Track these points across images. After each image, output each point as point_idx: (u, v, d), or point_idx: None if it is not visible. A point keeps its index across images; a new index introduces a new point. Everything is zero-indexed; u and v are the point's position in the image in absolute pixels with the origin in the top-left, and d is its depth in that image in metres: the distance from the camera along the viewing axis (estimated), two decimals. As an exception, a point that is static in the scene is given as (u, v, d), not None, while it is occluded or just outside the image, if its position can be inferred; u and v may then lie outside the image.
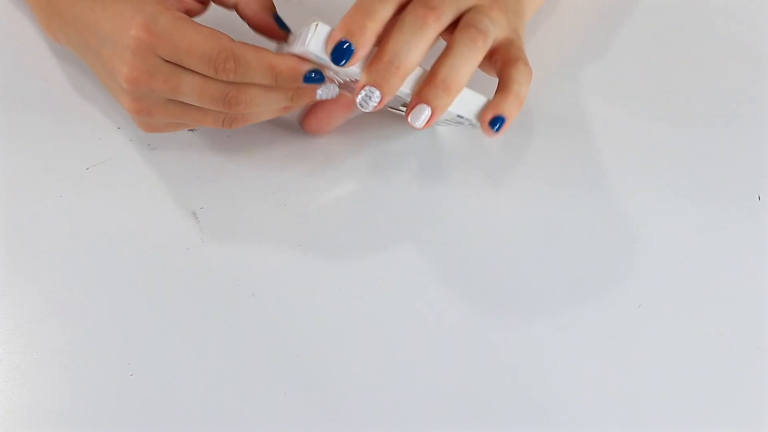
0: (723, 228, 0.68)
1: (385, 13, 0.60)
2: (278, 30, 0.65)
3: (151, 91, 0.62)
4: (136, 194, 0.68)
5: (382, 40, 0.60)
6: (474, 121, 0.63)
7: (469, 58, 0.60)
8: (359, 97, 0.60)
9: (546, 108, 0.72)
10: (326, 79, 0.62)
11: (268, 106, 0.63)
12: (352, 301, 0.65)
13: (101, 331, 0.63)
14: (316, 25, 0.60)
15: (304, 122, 0.70)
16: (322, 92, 0.64)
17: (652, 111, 0.72)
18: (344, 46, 0.59)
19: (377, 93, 0.60)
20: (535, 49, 0.75)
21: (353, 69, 0.60)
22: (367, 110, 0.61)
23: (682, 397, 0.62)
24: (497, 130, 0.62)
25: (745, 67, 0.74)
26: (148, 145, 0.69)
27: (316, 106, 0.69)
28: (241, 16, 0.66)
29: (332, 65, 0.60)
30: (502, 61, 0.63)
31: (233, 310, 0.64)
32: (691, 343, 0.64)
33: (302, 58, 0.61)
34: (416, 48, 0.60)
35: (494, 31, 0.62)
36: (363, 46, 0.59)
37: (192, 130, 0.70)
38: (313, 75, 0.62)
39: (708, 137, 0.71)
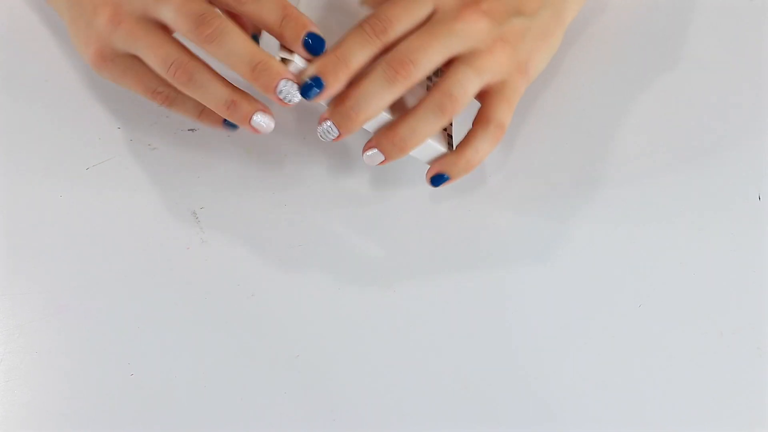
0: (723, 228, 0.68)
1: (362, 59, 0.60)
2: None
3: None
4: (136, 194, 0.68)
5: (352, 82, 0.61)
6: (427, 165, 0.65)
7: (432, 124, 0.62)
8: (320, 129, 0.62)
9: (544, 110, 0.72)
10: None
11: (207, 93, 0.60)
12: (353, 301, 0.65)
13: (101, 331, 0.63)
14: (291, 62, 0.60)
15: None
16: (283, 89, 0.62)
17: (652, 111, 0.72)
18: (314, 82, 0.59)
19: (336, 131, 0.61)
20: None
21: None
22: (327, 141, 0.62)
23: (682, 396, 0.62)
24: (436, 185, 0.64)
25: (746, 67, 0.74)
26: (148, 145, 0.69)
27: None
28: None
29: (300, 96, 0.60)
30: (478, 115, 0.64)
31: (233, 310, 0.64)
32: (691, 343, 0.64)
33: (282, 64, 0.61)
34: (379, 100, 0.61)
35: (474, 86, 0.62)
36: (332, 86, 0.60)
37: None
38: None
39: (708, 137, 0.71)
